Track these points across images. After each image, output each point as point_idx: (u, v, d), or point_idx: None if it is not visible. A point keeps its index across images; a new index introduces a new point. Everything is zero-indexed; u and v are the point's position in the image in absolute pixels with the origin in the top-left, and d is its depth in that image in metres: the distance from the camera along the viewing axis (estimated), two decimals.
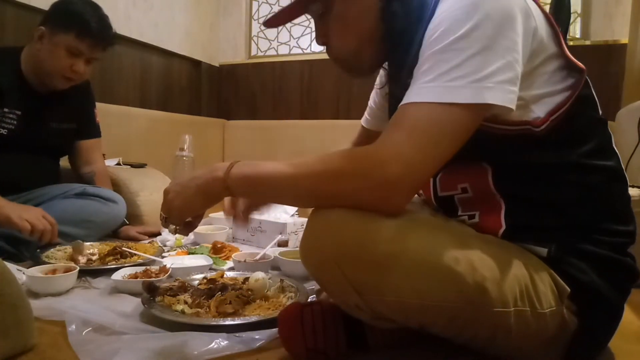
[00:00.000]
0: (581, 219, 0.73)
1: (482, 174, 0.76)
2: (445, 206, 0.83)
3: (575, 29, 2.85)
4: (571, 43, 2.67)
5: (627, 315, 0.76)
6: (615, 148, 0.78)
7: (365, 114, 1.10)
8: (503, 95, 0.64)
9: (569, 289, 0.71)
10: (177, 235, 1.64)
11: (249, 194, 0.77)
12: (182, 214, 0.81)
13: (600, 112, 0.78)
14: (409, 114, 0.66)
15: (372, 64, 0.85)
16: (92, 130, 1.81)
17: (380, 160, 0.64)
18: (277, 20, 0.86)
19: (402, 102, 0.68)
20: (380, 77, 1.02)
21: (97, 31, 1.51)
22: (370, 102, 1.08)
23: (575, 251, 0.72)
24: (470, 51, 0.63)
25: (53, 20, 1.51)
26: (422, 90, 0.66)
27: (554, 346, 0.73)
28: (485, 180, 0.76)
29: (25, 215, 1.32)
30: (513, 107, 0.65)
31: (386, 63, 0.89)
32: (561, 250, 0.72)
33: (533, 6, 0.70)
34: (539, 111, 0.71)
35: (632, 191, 1.34)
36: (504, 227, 0.75)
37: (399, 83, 0.78)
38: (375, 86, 1.06)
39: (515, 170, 0.74)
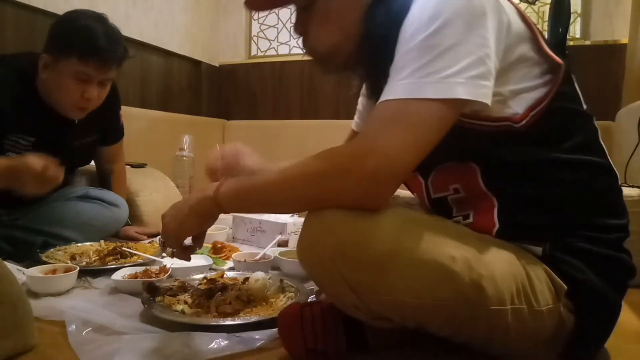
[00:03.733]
0: (572, 215, 0.73)
1: (472, 174, 0.76)
2: (440, 208, 0.83)
3: (575, 29, 2.85)
4: (571, 43, 2.67)
5: (627, 315, 0.77)
6: (602, 143, 0.78)
7: (355, 118, 1.12)
8: (475, 90, 0.65)
9: (565, 287, 0.71)
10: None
11: (239, 208, 0.80)
12: (178, 236, 0.84)
13: (585, 106, 0.78)
14: (385, 109, 0.68)
15: (345, 62, 0.84)
16: (117, 135, 1.75)
17: (358, 155, 0.66)
18: (262, 3, 0.87)
19: (380, 100, 0.69)
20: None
21: (102, 50, 1.31)
22: (359, 106, 1.09)
23: (570, 249, 0.72)
24: (441, 48, 0.64)
25: (53, 45, 1.33)
26: (396, 87, 0.67)
27: (552, 345, 0.73)
28: (475, 179, 0.76)
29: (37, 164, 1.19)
30: (487, 101, 0.66)
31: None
32: (555, 248, 0.72)
33: (505, 2, 0.71)
34: (518, 107, 0.72)
35: (632, 191, 1.34)
36: (497, 225, 0.75)
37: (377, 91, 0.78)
38: (361, 93, 1.07)
39: (502, 168, 0.75)
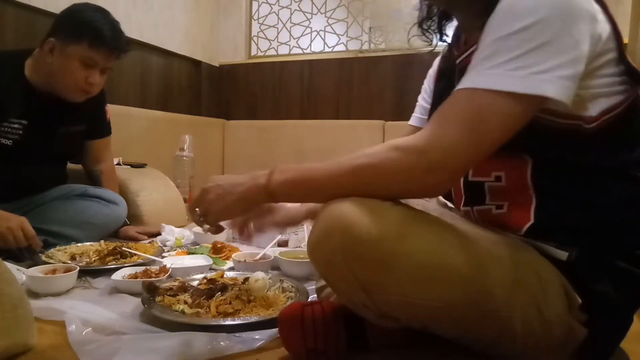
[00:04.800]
0: (610, 227, 0.72)
1: (521, 166, 0.75)
2: (473, 192, 0.82)
3: None
4: None
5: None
6: None
7: (415, 114, 1.10)
8: (562, 90, 0.63)
9: (579, 300, 0.70)
10: (178, 237, 1.65)
11: (292, 197, 0.78)
12: (221, 218, 0.83)
13: None
14: (461, 100, 0.67)
15: None
16: (103, 129, 1.78)
17: (422, 149, 0.66)
18: None
19: (458, 87, 0.68)
20: (433, 70, 1.03)
21: (110, 39, 1.46)
22: (421, 102, 1.08)
23: (596, 260, 0.71)
24: (534, 43, 0.63)
25: (63, 31, 1.44)
26: (481, 76, 0.66)
27: (559, 353, 0.73)
28: (524, 172, 0.75)
29: None
30: (568, 102, 0.65)
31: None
32: (582, 256, 0.71)
33: (599, 11, 0.69)
34: (593, 109, 0.71)
35: None
36: (531, 221, 0.74)
37: (449, 66, 0.82)
38: (423, 89, 1.07)
39: (556, 166, 0.73)
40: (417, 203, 0.87)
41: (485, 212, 0.80)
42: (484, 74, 0.65)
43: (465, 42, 0.85)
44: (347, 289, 0.69)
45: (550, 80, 0.63)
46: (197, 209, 0.84)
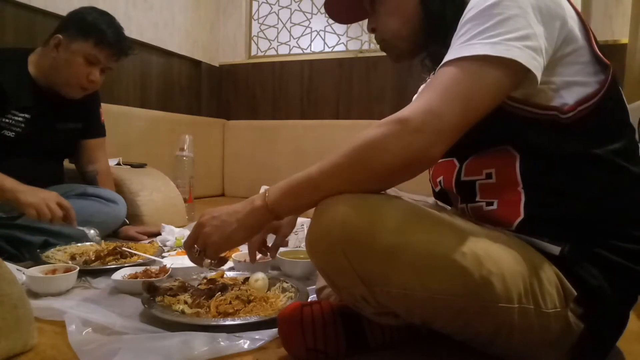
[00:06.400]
0: (600, 219, 0.73)
1: (510, 161, 0.76)
2: (464, 191, 0.83)
3: None
4: None
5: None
6: None
7: None
8: (529, 59, 0.67)
9: (575, 292, 0.70)
10: (178, 237, 1.65)
11: (294, 207, 0.78)
12: (221, 249, 0.82)
13: (631, 120, 0.78)
14: (441, 73, 0.70)
15: (410, 47, 0.91)
16: (98, 129, 1.82)
17: (405, 117, 0.68)
18: (341, 16, 1.00)
19: (438, 67, 0.72)
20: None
21: (114, 41, 1.55)
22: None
23: (588, 253, 0.72)
24: (502, 16, 0.68)
25: (71, 29, 1.53)
26: (455, 50, 0.70)
27: (556, 348, 0.73)
28: (512, 167, 0.76)
29: (33, 199, 1.33)
30: (537, 74, 0.68)
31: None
32: (574, 250, 0.71)
33: (564, 1, 0.73)
34: (569, 98, 0.72)
35: None
36: (522, 216, 0.75)
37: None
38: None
39: (542, 159, 0.74)
40: (417, 200, 0.88)
41: (477, 209, 0.81)
42: (458, 48, 0.69)
43: None
44: (347, 282, 0.70)
45: (518, 48, 0.67)
46: (195, 246, 0.83)
